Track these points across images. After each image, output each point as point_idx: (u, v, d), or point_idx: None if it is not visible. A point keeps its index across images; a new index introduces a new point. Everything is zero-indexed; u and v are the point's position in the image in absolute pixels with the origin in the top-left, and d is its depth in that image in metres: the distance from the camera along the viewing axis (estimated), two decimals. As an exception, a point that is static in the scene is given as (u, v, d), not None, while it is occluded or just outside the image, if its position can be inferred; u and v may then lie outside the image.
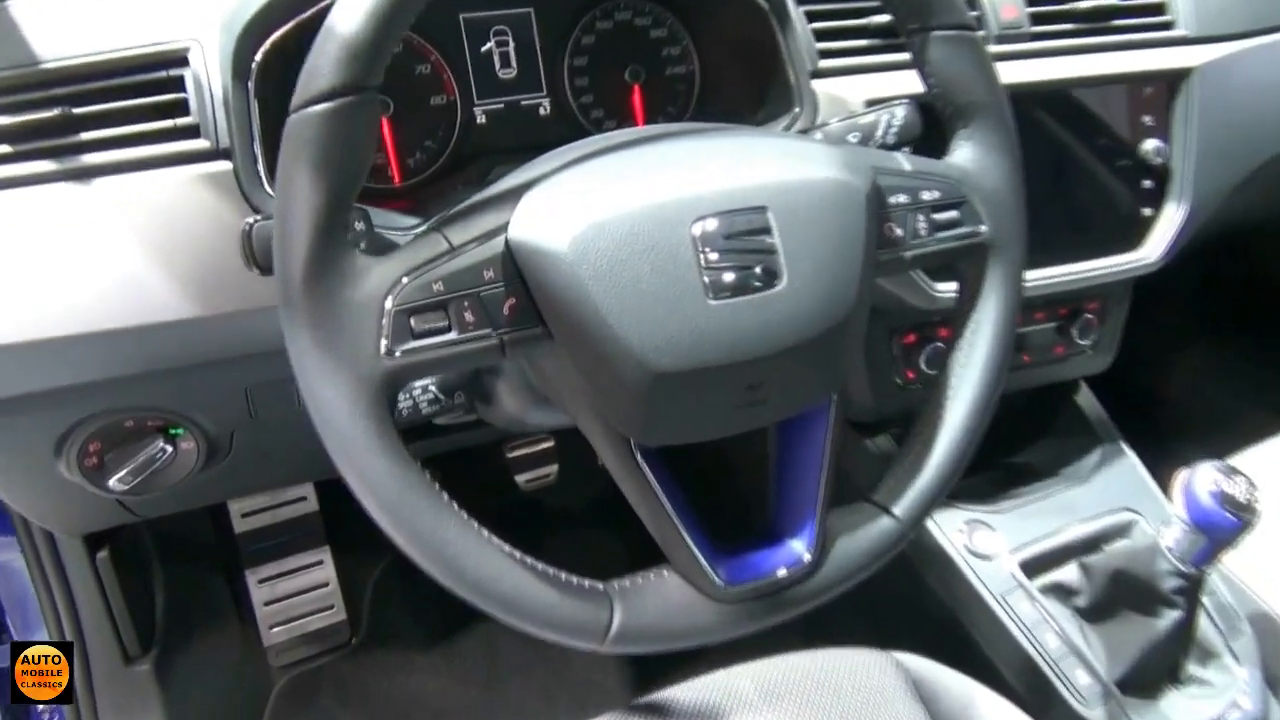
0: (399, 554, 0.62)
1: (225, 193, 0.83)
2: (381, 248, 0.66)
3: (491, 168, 1.01)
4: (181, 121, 0.83)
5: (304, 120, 0.58)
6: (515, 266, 0.63)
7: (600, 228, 0.63)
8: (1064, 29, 1.16)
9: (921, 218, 0.75)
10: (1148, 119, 1.19)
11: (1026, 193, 0.81)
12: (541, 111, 1.08)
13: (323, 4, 0.85)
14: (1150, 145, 1.18)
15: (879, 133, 0.88)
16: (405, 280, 0.61)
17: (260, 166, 0.84)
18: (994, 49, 1.11)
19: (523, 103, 1.07)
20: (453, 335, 0.62)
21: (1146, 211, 1.20)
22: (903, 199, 0.75)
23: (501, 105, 1.06)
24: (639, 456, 0.67)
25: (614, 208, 0.64)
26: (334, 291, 0.59)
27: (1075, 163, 1.19)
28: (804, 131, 0.91)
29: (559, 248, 0.62)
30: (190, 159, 0.82)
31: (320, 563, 1.70)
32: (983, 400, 0.78)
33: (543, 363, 0.69)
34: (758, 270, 0.65)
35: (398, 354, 0.60)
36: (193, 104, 0.83)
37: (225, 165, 0.83)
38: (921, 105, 0.84)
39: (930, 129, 0.84)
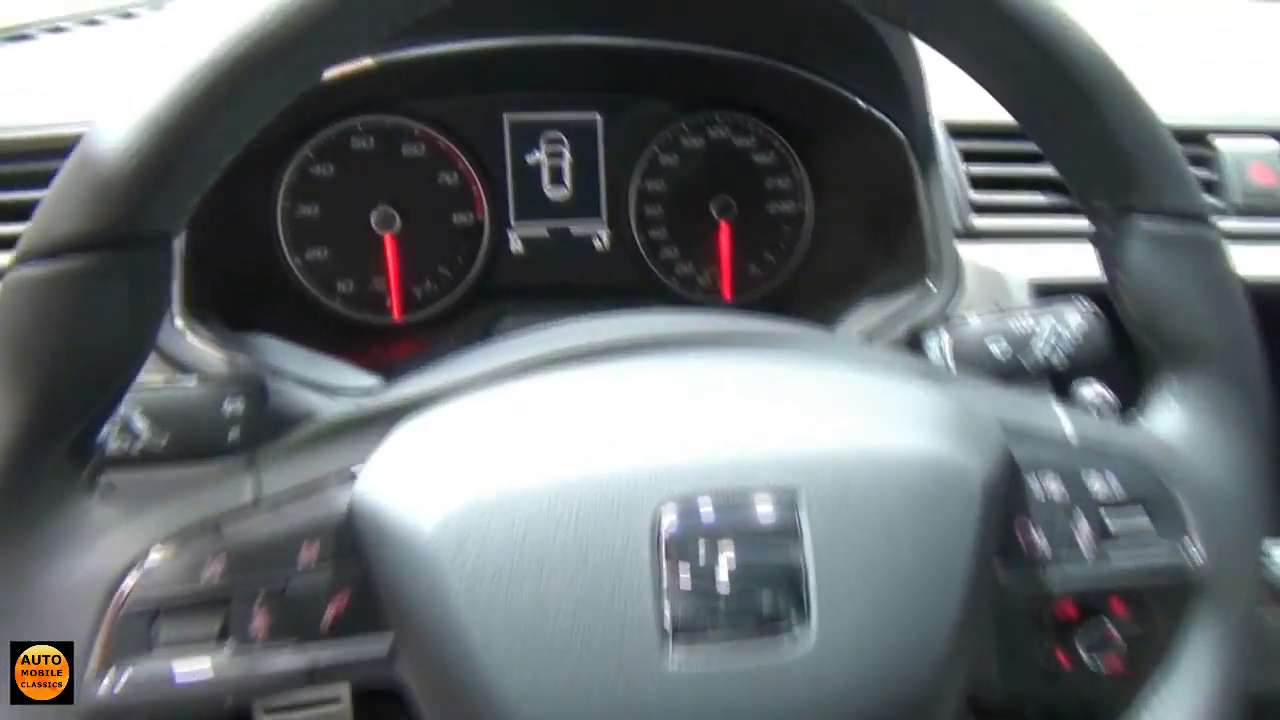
0: None
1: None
2: (276, 430, 0.44)
3: (501, 315, 0.78)
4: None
5: (12, 286, 0.36)
6: (355, 542, 0.39)
7: (494, 505, 0.37)
8: (1343, 204, 0.82)
9: (1084, 520, 0.45)
10: None
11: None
12: (596, 244, 0.84)
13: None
14: None
15: (1038, 347, 0.59)
16: (154, 556, 0.37)
17: (175, 294, 0.63)
18: (1233, 225, 0.79)
19: (573, 231, 0.84)
20: (224, 655, 0.37)
21: None
22: (1054, 486, 0.45)
23: (545, 232, 0.83)
24: None
25: (525, 471, 0.38)
26: (24, 568, 0.36)
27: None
28: (918, 331, 0.63)
29: (417, 528, 0.37)
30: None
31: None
32: None
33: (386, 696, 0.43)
34: (765, 604, 0.37)
35: (118, 683, 0.36)
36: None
37: (127, 287, 0.63)
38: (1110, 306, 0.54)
39: (1122, 350, 0.55)
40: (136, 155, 0.35)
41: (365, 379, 0.68)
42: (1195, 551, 0.46)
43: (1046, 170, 0.77)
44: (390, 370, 0.70)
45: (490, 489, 0.37)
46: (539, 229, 0.83)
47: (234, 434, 0.52)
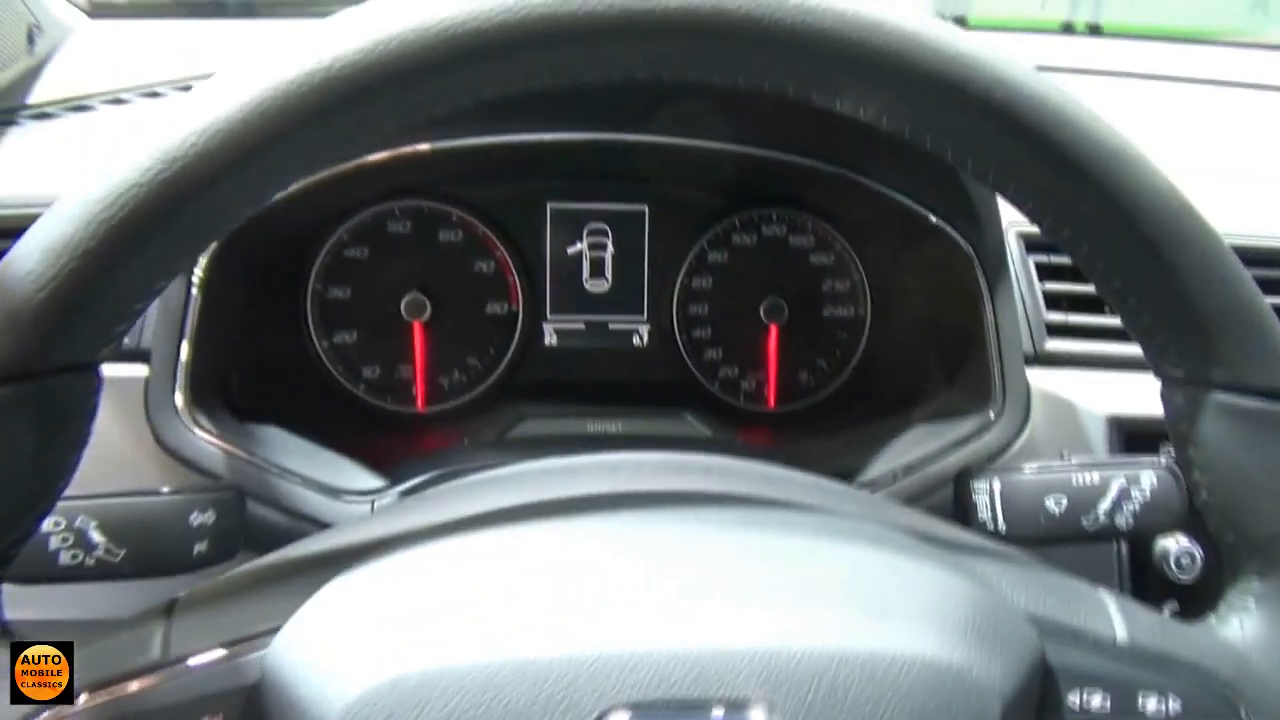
0: None
1: (124, 408, 0.61)
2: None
3: (519, 418, 0.74)
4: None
5: None
6: (262, 717, 0.34)
7: (412, 689, 0.32)
8: None
9: None
10: None
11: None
12: (635, 340, 0.80)
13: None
14: None
15: (1101, 508, 0.51)
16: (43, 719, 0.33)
17: (179, 380, 0.61)
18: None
19: (611, 326, 0.80)
20: None
21: None
22: (1096, 702, 0.37)
23: (582, 325, 0.79)
24: None
25: (454, 651, 0.33)
26: None
27: None
28: (968, 471, 0.56)
29: (326, 708, 0.32)
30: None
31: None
32: None
33: None
34: None
35: None
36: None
37: (137, 370, 0.62)
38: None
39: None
40: (47, 285, 0.32)
41: (371, 480, 0.64)
42: None
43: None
44: (400, 468, 0.66)
45: (411, 670, 0.32)
46: (576, 322, 0.79)
47: (201, 548, 0.49)
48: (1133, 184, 0.36)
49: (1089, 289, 0.70)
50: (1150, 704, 0.38)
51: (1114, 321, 0.69)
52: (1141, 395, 0.65)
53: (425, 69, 0.32)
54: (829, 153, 0.69)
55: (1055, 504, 0.52)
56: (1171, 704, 0.38)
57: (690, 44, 0.34)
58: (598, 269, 0.78)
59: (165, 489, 0.49)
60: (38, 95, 0.82)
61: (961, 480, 0.56)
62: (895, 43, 0.34)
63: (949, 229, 0.67)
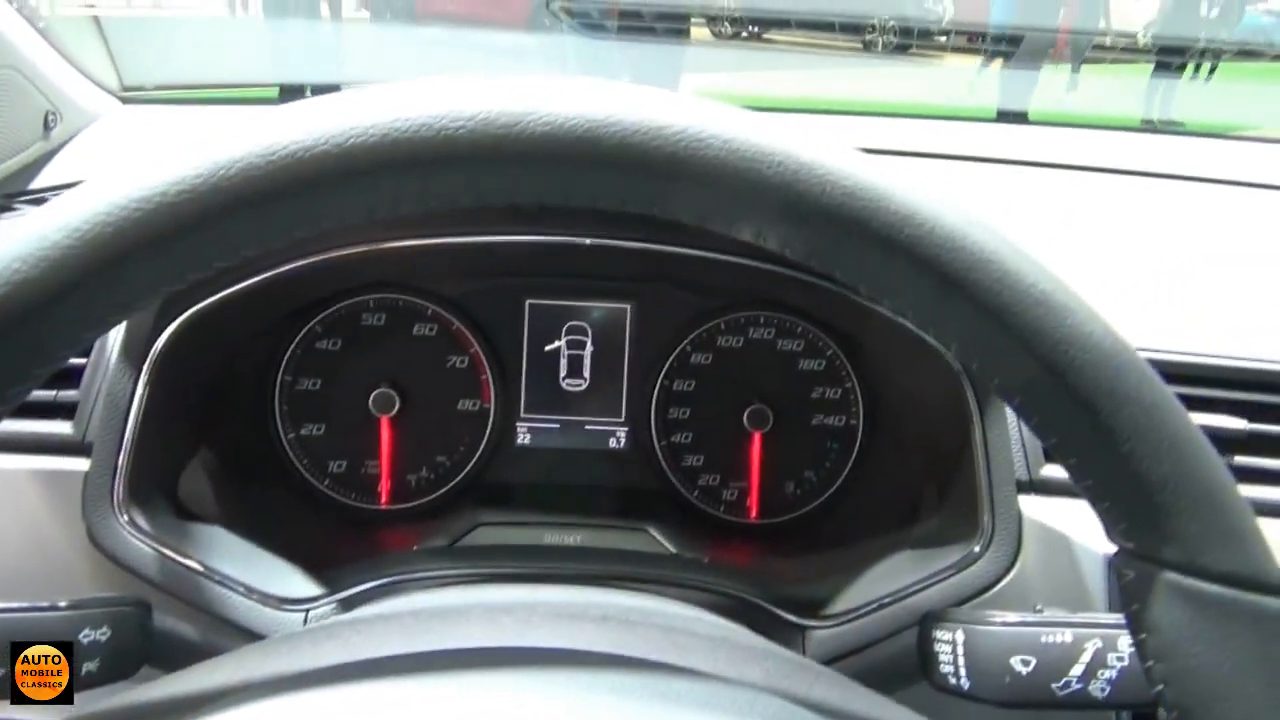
0: None
1: (61, 504, 0.59)
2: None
3: (475, 524, 0.70)
4: (64, 395, 0.62)
5: None
6: None
7: None
8: None
9: None
10: None
11: None
12: (612, 443, 0.76)
13: (260, 277, 0.61)
14: None
15: (1074, 673, 0.46)
16: None
17: (119, 476, 0.60)
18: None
19: (587, 427, 0.76)
20: None
21: None
22: None
23: (556, 425, 0.76)
24: None
25: None
26: None
27: None
28: (936, 616, 0.50)
29: None
30: (41, 446, 0.61)
31: None
32: None
33: None
34: None
35: None
36: (87, 375, 0.62)
37: (78, 464, 0.60)
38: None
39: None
40: None
41: (311, 587, 0.61)
42: None
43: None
44: (344, 573, 0.63)
45: None
46: (549, 423, 0.76)
47: (90, 667, 0.46)
48: (1062, 334, 0.31)
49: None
50: None
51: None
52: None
53: (265, 198, 0.30)
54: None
55: (1023, 664, 0.46)
56: None
57: (566, 171, 0.31)
58: (575, 368, 0.75)
59: (63, 602, 0.47)
60: (43, 180, 0.84)
61: (925, 627, 0.51)
62: (787, 174, 0.31)
63: (936, 343, 0.63)
